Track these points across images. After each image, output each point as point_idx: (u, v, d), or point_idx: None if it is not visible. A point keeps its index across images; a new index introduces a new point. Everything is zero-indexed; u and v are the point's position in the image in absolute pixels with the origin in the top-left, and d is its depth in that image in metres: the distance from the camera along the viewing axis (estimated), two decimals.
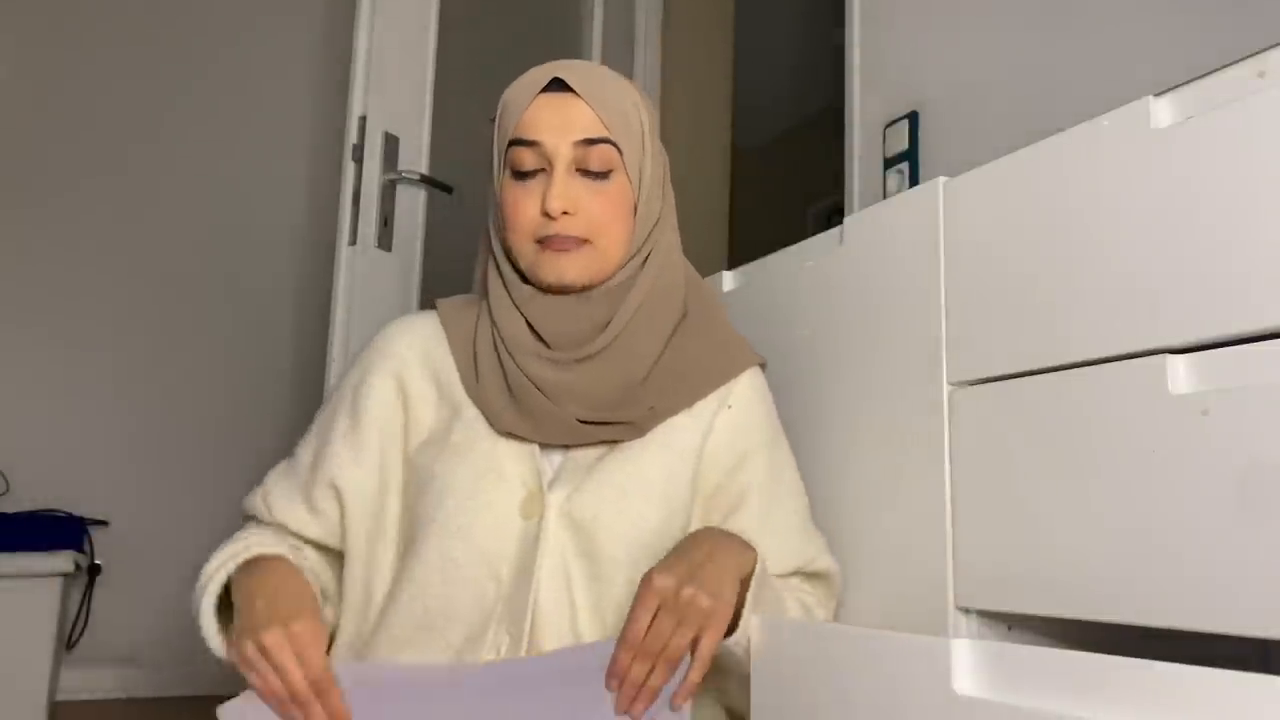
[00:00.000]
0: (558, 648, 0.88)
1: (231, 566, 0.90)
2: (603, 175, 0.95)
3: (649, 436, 0.95)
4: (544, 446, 0.95)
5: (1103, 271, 0.81)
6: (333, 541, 0.99)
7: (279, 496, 1.00)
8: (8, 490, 2.28)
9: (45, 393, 2.41)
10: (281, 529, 0.99)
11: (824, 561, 1.00)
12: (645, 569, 0.87)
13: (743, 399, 1.01)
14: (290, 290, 2.70)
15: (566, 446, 0.96)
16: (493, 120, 1.01)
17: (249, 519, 1.03)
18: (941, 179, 0.98)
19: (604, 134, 0.94)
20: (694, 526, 0.96)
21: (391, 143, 1.79)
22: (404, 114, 1.84)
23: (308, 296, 2.64)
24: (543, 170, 0.95)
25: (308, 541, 1.00)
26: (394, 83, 1.81)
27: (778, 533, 0.97)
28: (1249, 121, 0.71)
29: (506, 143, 0.96)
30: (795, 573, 0.98)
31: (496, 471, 0.92)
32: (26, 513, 2.23)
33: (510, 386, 0.94)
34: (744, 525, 0.95)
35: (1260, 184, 0.70)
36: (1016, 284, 0.88)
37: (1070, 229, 0.84)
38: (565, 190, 0.93)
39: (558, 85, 0.94)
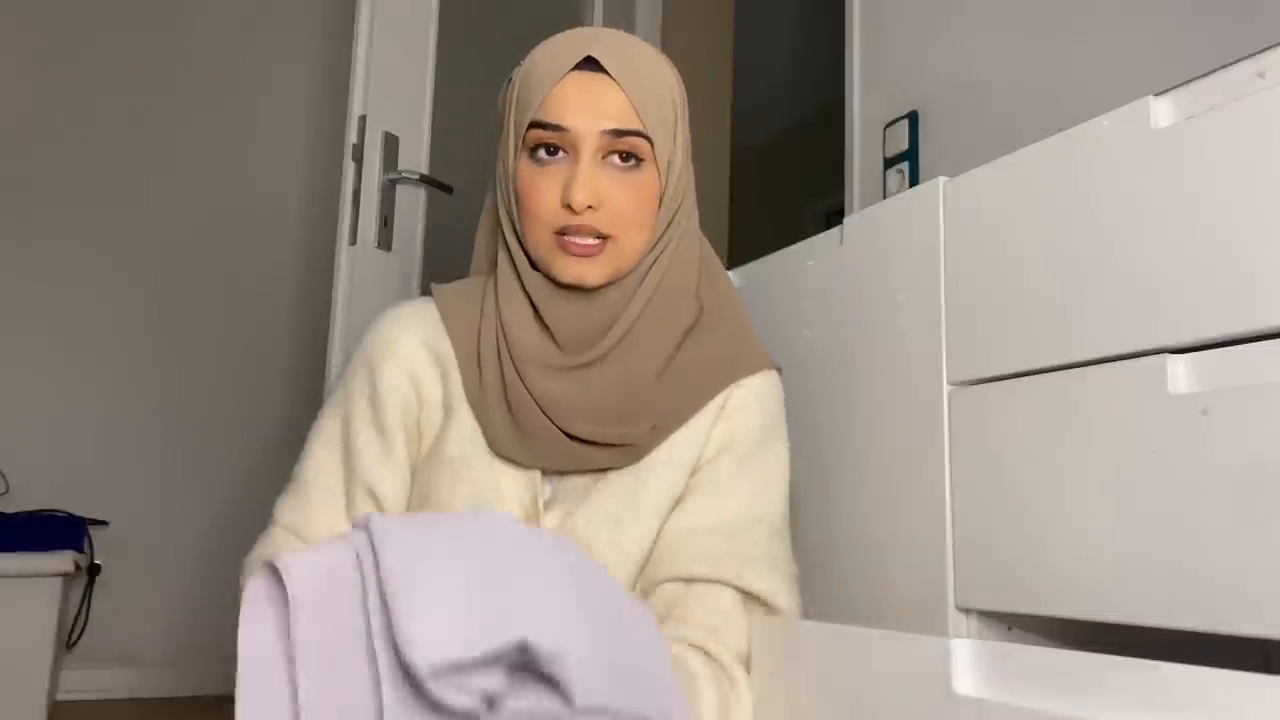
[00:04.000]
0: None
1: None
2: (631, 165, 0.88)
3: (647, 458, 0.91)
4: (544, 472, 0.92)
5: (1103, 272, 0.81)
6: None
7: (308, 524, 0.90)
8: (8, 490, 2.28)
9: (45, 393, 2.41)
10: None
11: (782, 599, 0.88)
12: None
13: (739, 406, 0.94)
14: (290, 290, 2.70)
15: (563, 472, 0.92)
16: (509, 81, 0.94)
17: None
18: (941, 179, 0.98)
19: (637, 126, 0.87)
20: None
21: (391, 143, 1.79)
22: (404, 114, 1.83)
23: (307, 296, 2.64)
24: (564, 153, 0.88)
25: None
26: (394, 83, 1.81)
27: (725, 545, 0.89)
28: (1249, 121, 0.71)
29: (527, 121, 0.88)
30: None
31: (493, 492, 0.89)
32: (26, 513, 2.23)
33: (510, 402, 0.89)
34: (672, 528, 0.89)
35: (1260, 184, 0.70)
36: (1016, 284, 0.88)
37: (1070, 229, 0.84)
38: (591, 181, 0.86)
39: (590, 64, 0.87)
